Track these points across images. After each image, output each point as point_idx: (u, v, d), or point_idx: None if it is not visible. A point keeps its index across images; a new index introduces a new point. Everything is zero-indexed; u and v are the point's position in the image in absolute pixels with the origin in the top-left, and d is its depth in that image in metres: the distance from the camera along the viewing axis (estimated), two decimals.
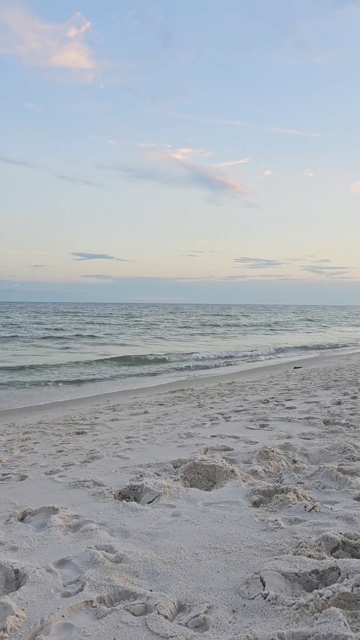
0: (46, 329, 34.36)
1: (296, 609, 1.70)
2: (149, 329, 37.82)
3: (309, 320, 59.90)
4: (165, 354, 19.11)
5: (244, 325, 45.85)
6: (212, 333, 34.40)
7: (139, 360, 17.42)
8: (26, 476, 3.79)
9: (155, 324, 43.55)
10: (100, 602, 1.88)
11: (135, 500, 3.06)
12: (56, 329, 33.71)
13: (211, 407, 6.94)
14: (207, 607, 1.80)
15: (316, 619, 1.62)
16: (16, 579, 2.09)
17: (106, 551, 2.27)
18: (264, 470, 3.42)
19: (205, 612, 1.76)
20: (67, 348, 22.23)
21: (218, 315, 72.40)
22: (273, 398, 7.22)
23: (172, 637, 1.63)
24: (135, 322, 46.49)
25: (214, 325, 43.44)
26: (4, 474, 3.94)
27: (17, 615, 1.78)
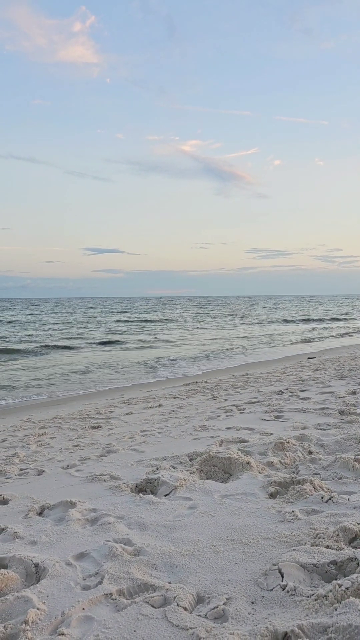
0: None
1: (315, 600, 1.70)
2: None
3: None
4: None
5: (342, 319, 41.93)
6: None
7: None
8: (43, 471, 3.83)
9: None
10: (119, 595, 1.90)
11: (152, 493, 3.08)
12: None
13: (225, 399, 6.94)
14: (226, 599, 1.80)
15: (335, 610, 1.62)
16: (36, 573, 2.12)
17: (124, 544, 2.29)
18: (280, 462, 3.42)
19: (224, 604, 1.77)
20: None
21: (273, 308, 68.86)
22: (287, 389, 7.19)
23: (192, 628, 1.64)
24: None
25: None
26: (21, 469, 3.98)
27: (38, 609, 1.80)
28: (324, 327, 32.15)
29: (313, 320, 40.71)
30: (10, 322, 38.77)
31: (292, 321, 39.31)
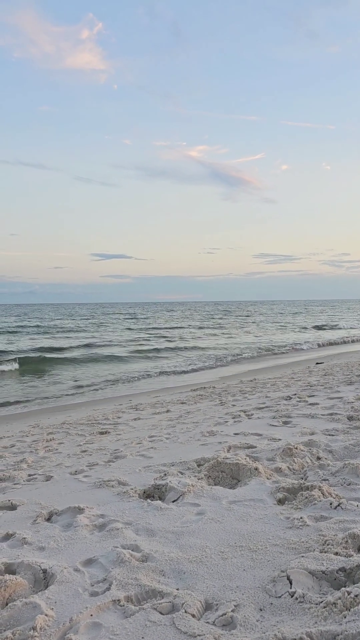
0: None
1: (324, 607, 1.68)
2: None
3: None
4: None
5: None
6: None
7: None
8: (51, 476, 3.83)
9: None
10: (127, 601, 1.89)
11: (160, 499, 3.08)
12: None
13: (233, 405, 6.92)
14: (235, 606, 1.79)
15: (345, 617, 1.61)
16: (44, 579, 2.12)
17: (132, 550, 2.29)
18: (288, 468, 3.40)
19: (232, 611, 1.76)
20: None
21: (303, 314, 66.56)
22: (295, 394, 7.16)
23: (200, 635, 1.63)
24: None
25: None
26: (30, 475, 3.99)
27: (46, 615, 1.81)
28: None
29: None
30: (12, 331, 38.10)
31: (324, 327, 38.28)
